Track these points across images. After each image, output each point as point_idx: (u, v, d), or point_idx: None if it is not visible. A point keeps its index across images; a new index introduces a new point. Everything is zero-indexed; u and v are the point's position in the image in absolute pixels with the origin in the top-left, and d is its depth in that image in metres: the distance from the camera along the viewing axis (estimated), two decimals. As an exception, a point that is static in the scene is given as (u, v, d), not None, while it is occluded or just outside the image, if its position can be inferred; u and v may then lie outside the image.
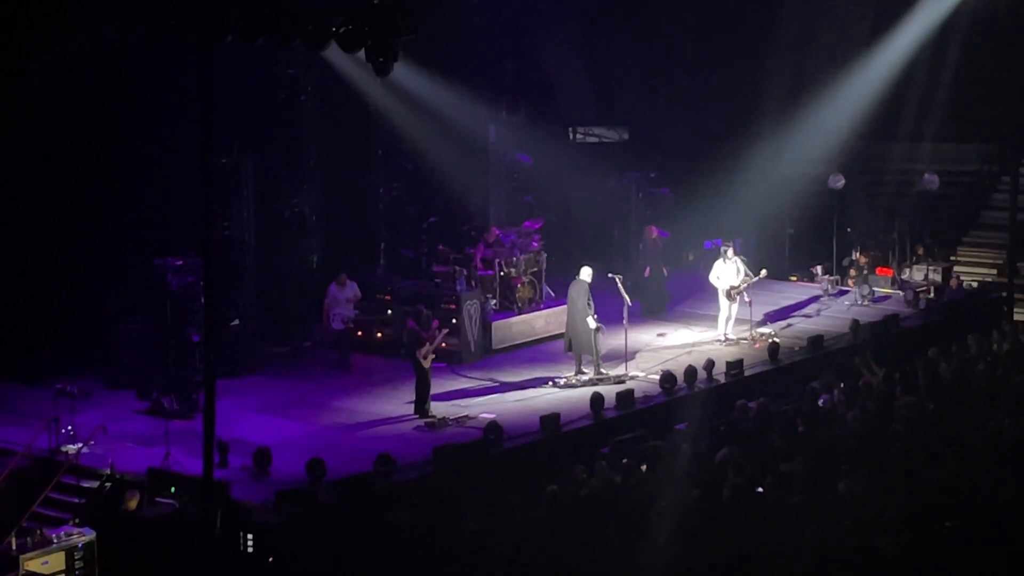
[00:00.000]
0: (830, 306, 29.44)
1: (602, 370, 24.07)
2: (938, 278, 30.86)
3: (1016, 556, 15.06)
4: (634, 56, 34.12)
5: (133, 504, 18.54)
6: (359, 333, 26.02)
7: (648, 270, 28.54)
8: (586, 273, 24.28)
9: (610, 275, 24.43)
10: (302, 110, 26.78)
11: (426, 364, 22.22)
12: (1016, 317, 29.48)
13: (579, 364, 24.17)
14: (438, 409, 22.26)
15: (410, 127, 27.88)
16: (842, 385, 22.05)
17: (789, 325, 27.74)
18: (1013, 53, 33.85)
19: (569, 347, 24.31)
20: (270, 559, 17.53)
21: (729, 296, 26.30)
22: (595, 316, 23.94)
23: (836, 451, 18.44)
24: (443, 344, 23.71)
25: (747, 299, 26.42)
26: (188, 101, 20.23)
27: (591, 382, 23.61)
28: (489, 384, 23.98)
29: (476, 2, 28.51)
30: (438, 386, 23.13)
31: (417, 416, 22.04)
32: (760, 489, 17.12)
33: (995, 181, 34.28)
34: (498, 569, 15.99)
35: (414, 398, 22.30)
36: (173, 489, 18.67)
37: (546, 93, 32.39)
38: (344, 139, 27.93)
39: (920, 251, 31.90)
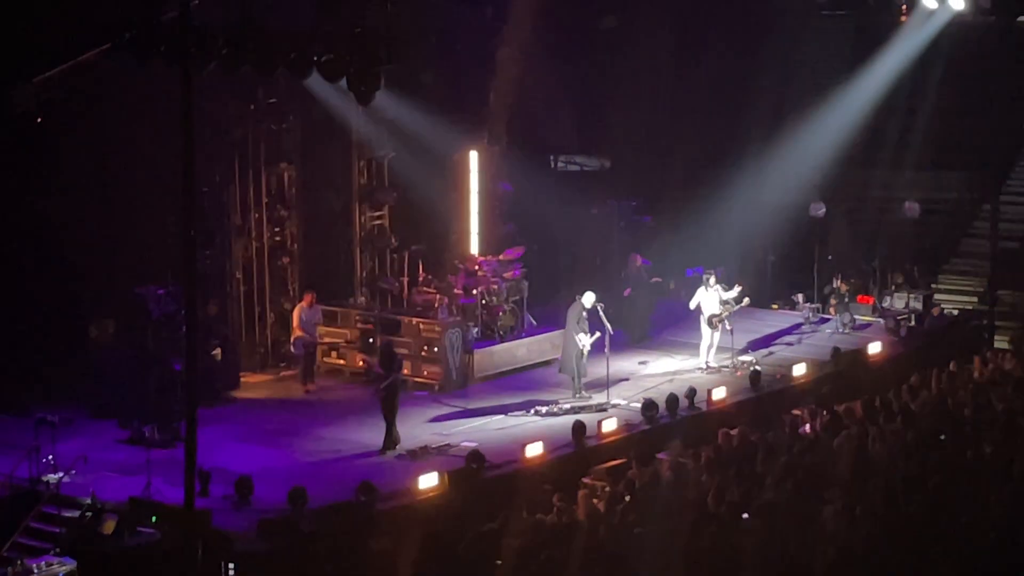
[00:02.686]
0: (811, 334, 29.47)
1: (584, 393, 24.15)
2: (919, 306, 30.88)
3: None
4: (616, 85, 34.14)
5: (109, 528, 18.44)
6: (341, 362, 26.07)
7: (628, 291, 28.58)
8: (588, 299, 24.36)
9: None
10: (283, 138, 26.77)
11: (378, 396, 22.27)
12: (997, 345, 29.56)
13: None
14: (420, 437, 22.25)
15: (392, 155, 27.88)
16: (824, 413, 22.06)
17: (771, 353, 27.78)
18: (993, 81, 34.06)
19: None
20: (252, 588, 17.48)
21: (711, 324, 26.34)
22: (587, 334, 24.05)
23: (819, 479, 18.43)
24: (421, 376, 23.77)
25: (729, 327, 26.45)
26: (171, 129, 20.20)
27: (573, 410, 23.62)
28: (471, 412, 23.96)
29: (458, 31, 28.52)
30: (420, 414, 23.22)
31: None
32: (744, 516, 17.11)
33: (976, 209, 34.41)
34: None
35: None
36: (154, 518, 18.59)
37: (528, 121, 32.38)
38: (325, 166, 27.89)
39: (901, 279, 31.95)
